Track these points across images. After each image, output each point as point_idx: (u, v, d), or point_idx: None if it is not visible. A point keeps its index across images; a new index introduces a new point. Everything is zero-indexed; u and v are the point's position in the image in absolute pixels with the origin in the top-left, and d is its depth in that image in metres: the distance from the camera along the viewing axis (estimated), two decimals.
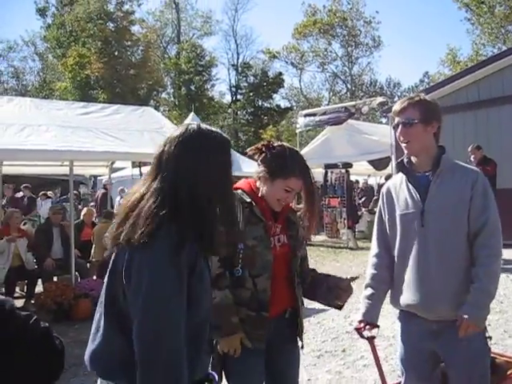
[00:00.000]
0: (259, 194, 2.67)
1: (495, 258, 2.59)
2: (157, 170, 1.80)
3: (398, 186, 2.82)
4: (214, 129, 1.90)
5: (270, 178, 2.62)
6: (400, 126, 2.70)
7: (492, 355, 2.94)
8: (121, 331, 1.71)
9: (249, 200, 2.64)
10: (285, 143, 2.78)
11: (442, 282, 2.60)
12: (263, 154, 2.67)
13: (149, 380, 1.62)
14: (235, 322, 2.49)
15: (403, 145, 2.73)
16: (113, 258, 1.80)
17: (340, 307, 2.78)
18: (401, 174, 2.84)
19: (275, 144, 2.70)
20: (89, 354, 1.83)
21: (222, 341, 2.50)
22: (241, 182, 2.81)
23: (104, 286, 1.82)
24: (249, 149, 2.79)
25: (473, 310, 2.49)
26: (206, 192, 1.77)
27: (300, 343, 2.80)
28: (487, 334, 2.68)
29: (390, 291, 2.89)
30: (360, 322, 2.85)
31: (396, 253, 2.79)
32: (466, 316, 2.47)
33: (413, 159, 2.78)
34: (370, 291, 2.87)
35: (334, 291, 2.70)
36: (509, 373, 3.04)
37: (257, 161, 2.73)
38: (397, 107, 2.75)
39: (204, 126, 1.88)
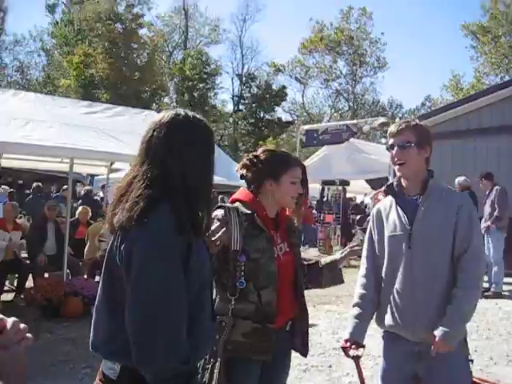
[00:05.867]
0: (261, 203, 2.67)
1: (474, 281, 2.65)
2: (146, 154, 1.84)
3: (388, 208, 2.87)
4: (200, 117, 1.95)
5: (275, 181, 2.65)
6: (396, 148, 2.76)
7: (478, 381, 2.97)
8: (120, 315, 1.72)
9: (249, 212, 2.62)
10: (263, 147, 2.87)
11: (426, 305, 2.64)
12: (255, 168, 2.68)
13: (147, 359, 1.64)
14: None
15: (397, 167, 2.78)
16: (109, 245, 1.82)
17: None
18: (390, 197, 2.89)
19: (257, 153, 2.73)
20: (91, 339, 1.87)
21: None
22: (238, 193, 2.79)
23: (102, 274, 1.85)
24: (236, 168, 2.77)
25: (446, 329, 2.54)
26: (194, 178, 1.82)
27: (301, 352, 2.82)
28: (470, 357, 2.72)
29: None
30: (346, 340, 2.85)
31: (383, 273, 2.83)
32: (438, 335, 2.53)
33: (403, 182, 2.83)
34: (357, 310, 2.88)
35: (335, 270, 2.90)
36: None
37: (248, 179, 2.72)
38: (393, 129, 2.80)
39: (191, 113, 1.93)
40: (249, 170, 2.70)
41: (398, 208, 2.80)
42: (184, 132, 1.85)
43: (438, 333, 2.54)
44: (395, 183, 2.88)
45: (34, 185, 13.24)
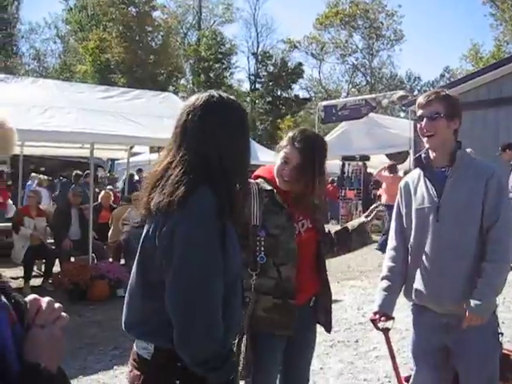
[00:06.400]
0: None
1: (504, 253, 2.62)
2: (181, 139, 1.83)
3: (416, 180, 2.84)
4: (234, 98, 1.94)
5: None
6: (425, 119, 2.70)
7: (507, 352, 2.95)
8: (155, 297, 1.74)
9: (269, 188, 2.62)
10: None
11: (454, 277, 2.62)
12: None
13: (186, 342, 1.66)
14: None
15: (425, 138, 2.73)
16: (145, 229, 1.82)
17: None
18: (418, 169, 2.86)
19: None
20: (124, 320, 1.88)
21: None
22: (261, 170, 2.81)
23: (137, 256, 1.85)
24: None
25: (478, 302, 2.52)
26: (229, 161, 1.81)
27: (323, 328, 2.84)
28: (499, 330, 2.71)
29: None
30: (375, 313, 2.86)
31: (410, 246, 2.81)
32: (470, 308, 2.51)
33: (430, 154, 2.79)
34: (386, 283, 2.88)
35: (363, 233, 2.94)
36: None
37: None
38: (422, 100, 2.74)
39: (225, 95, 1.91)
40: None
41: (427, 180, 2.76)
42: (218, 115, 1.84)
43: (470, 305, 2.52)
44: (423, 155, 2.83)
45: (74, 173, 13.29)
